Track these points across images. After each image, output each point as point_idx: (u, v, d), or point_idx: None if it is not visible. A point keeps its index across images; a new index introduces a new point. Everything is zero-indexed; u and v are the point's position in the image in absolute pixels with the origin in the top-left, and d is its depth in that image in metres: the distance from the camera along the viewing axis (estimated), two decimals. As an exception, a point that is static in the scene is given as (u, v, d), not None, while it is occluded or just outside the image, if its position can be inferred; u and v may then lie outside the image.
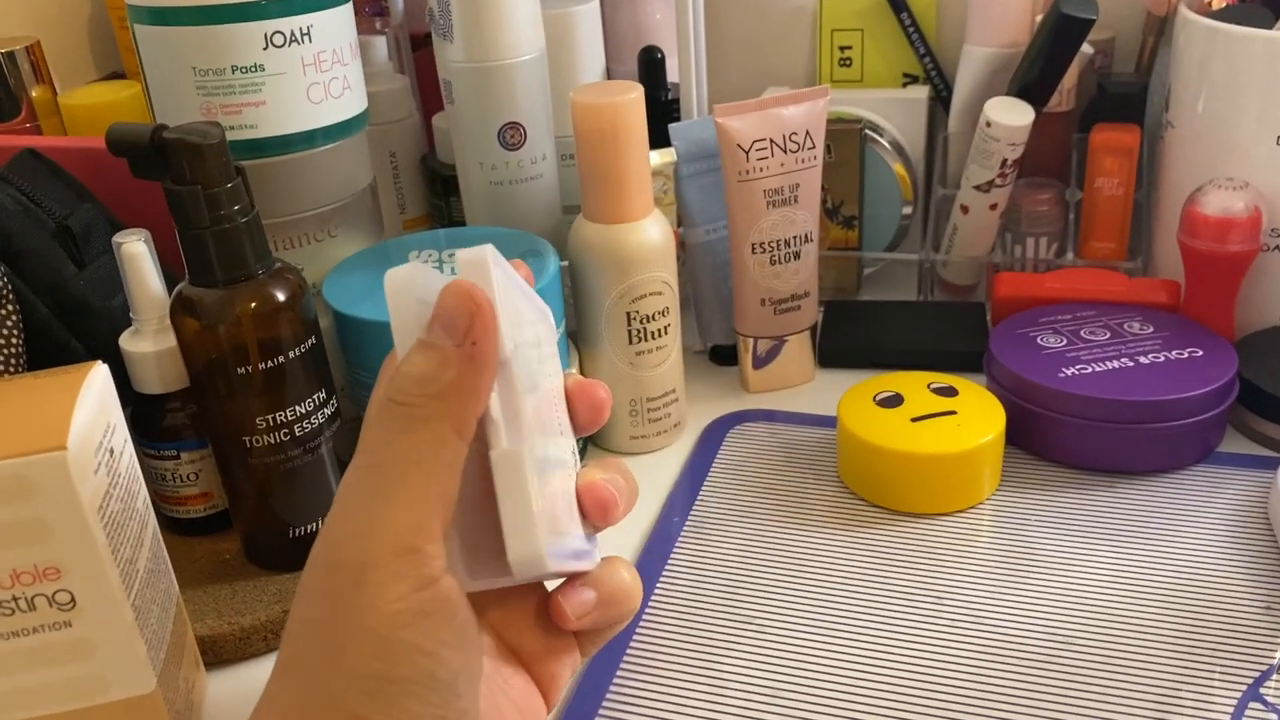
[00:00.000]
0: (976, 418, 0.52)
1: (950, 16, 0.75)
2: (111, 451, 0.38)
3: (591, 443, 0.59)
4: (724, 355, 0.66)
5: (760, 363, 0.63)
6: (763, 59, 0.79)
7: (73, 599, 0.36)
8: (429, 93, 0.77)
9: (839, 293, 0.72)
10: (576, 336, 0.57)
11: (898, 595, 0.47)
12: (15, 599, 0.35)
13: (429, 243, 0.57)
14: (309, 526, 0.49)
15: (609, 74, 0.67)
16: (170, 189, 0.44)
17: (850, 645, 0.45)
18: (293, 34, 0.51)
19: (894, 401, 0.53)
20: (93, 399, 0.37)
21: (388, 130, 0.70)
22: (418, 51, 0.77)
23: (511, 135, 0.59)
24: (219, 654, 0.46)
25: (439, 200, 0.71)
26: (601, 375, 0.57)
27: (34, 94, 0.71)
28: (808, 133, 0.58)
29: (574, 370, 0.56)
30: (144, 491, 0.41)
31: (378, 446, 0.30)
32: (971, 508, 0.52)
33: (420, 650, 0.29)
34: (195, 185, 0.43)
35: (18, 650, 0.36)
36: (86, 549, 0.35)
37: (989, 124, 0.63)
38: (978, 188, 0.65)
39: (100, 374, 0.38)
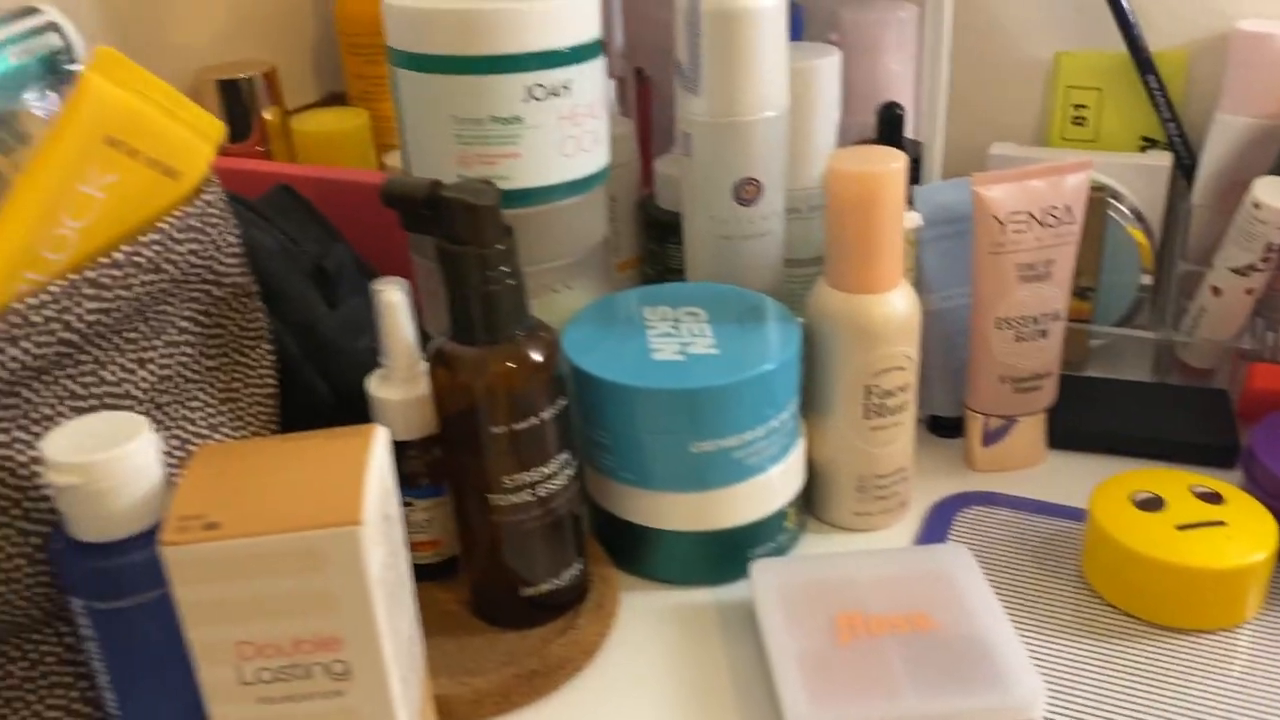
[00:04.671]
0: (1247, 531, 0.48)
1: (1201, 81, 0.70)
2: (388, 518, 0.38)
3: (811, 515, 0.57)
4: (944, 427, 0.63)
5: (990, 440, 0.60)
6: (990, 113, 0.76)
7: (348, 669, 0.36)
8: (644, 134, 0.76)
9: (1065, 366, 0.68)
10: (805, 404, 0.55)
11: (1148, 713, 0.44)
12: (294, 666, 0.35)
13: (662, 297, 0.56)
14: (541, 587, 0.49)
15: (842, 127, 0.65)
16: (444, 248, 0.44)
17: (1115, 775, 0.42)
18: (552, 87, 0.51)
19: (1155, 504, 0.50)
20: (377, 467, 0.37)
21: (611, 174, 0.69)
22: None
23: (746, 191, 0.58)
24: (449, 714, 0.46)
25: (654, 245, 0.70)
26: (829, 448, 0.55)
27: (266, 116, 0.72)
28: (1068, 207, 0.55)
29: (801, 441, 0.54)
30: (405, 553, 0.41)
31: None
32: (1233, 627, 0.48)
33: None
34: (469, 245, 0.43)
35: (291, 715, 0.36)
36: (367, 621, 0.35)
37: (1257, 205, 0.59)
38: (1235, 270, 0.61)
39: (381, 439, 0.38)
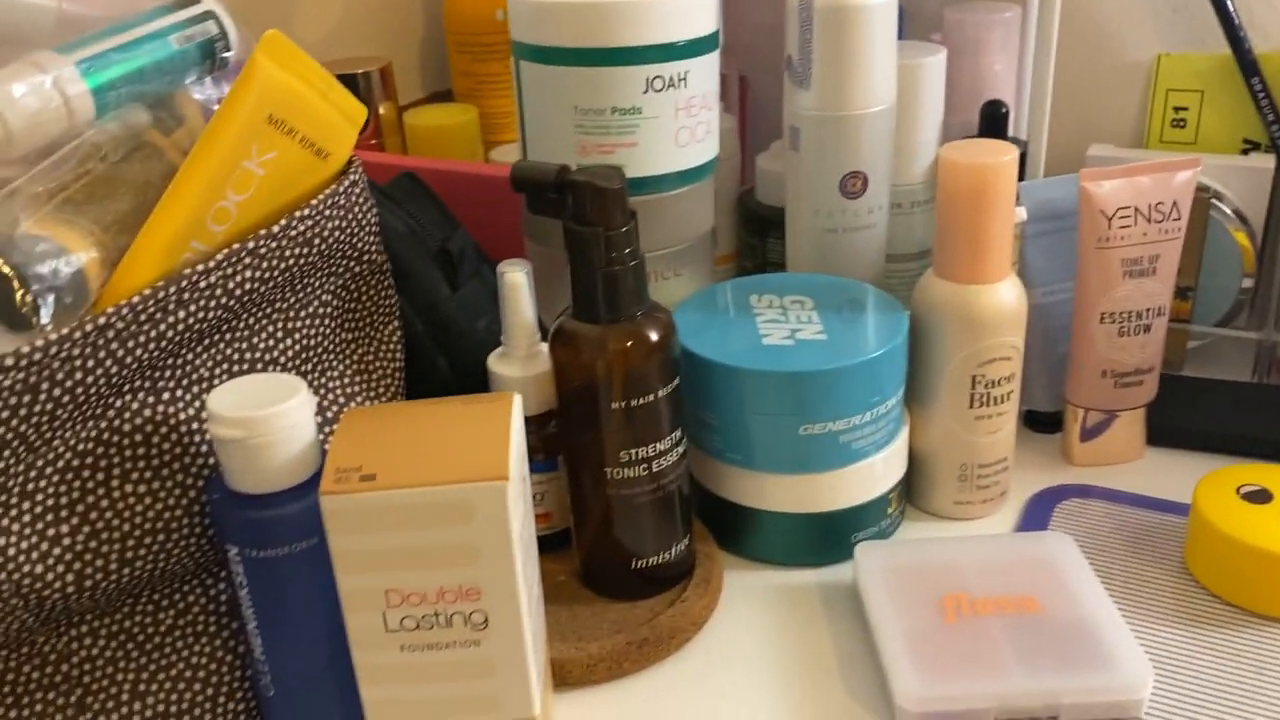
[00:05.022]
0: (1357, 525, 0.48)
1: (1306, 82, 0.70)
2: (524, 479, 0.40)
3: (912, 504, 0.58)
4: (1041, 421, 0.64)
5: (1088, 435, 0.60)
6: (1088, 114, 0.76)
7: (486, 620, 0.38)
8: (742, 132, 0.78)
9: (1165, 366, 0.68)
10: (909, 393, 0.56)
11: (1253, 701, 0.44)
12: (437, 614, 0.37)
13: (768, 286, 0.57)
14: (650, 560, 0.50)
15: (945, 125, 0.66)
16: (571, 228, 0.45)
17: (1224, 758, 0.42)
18: (671, 79, 0.53)
19: (1261, 497, 0.50)
20: (516, 430, 0.39)
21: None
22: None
23: (853, 184, 0.59)
24: (563, 678, 0.48)
25: (753, 239, 0.72)
26: (932, 437, 0.56)
27: (381, 110, 0.75)
28: (1175, 203, 0.55)
29: (905, 429, 0.55)
30: (534, 517, 0.42)
31: None
32: (1342, 620, 0.48)
33: None
34: (596, 227, 0.45)
35: (430, 663, 0.38)
36: (506, 574, 0.37)
37: (1367, 204, 0.59)
38: (1343, 270, 0.61)
39: (518, 404, 0.40)
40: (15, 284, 0.36)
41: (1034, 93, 0.61)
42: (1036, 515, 0.57)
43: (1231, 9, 0.69)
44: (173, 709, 0.42)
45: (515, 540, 0.37)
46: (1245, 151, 0.72)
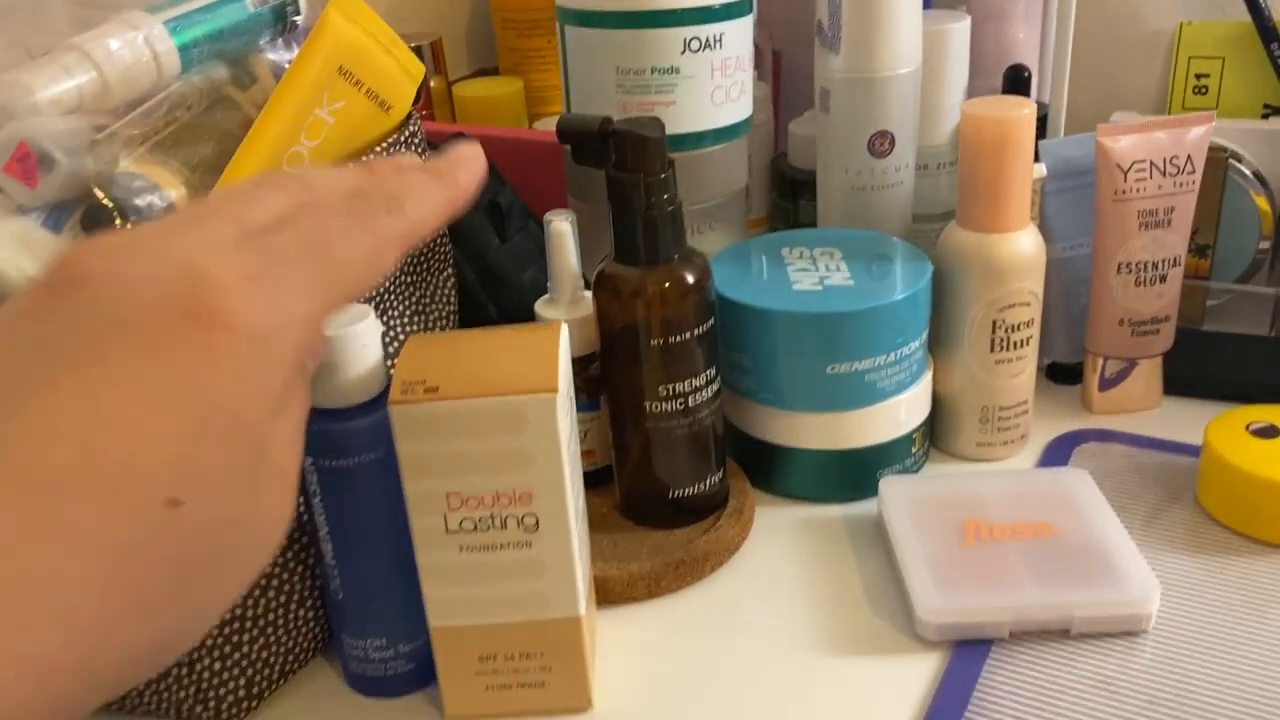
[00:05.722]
0: (1361, 458, 0.51)
1: (1326, 47, 0.72)
2: (571, 398, 0.43)
3: (935, 446, 0.61)
4: (1063, 373, 0.66)
5: (1107, 384, 0.63)
6: (1112, 82, 0.79)
7: (537, 523, 0.41)
8: (776, 99, 0.81)
9: (1182, 321, 0.70)
10: (932, 340, 0.59)
11: (1261, 624, 0.47)
12: (493, 517, 0.41)
13: (800, 240, 0.60)
14: (686, 490, 0.54)
15: (970, 90, 0.68)
16: (613, 175, 0.49)
17: (1215, 676, 0.45)
18: (707, 40, 0.56)
19: (1270, 432, 0.53)
20: (564, 352, 0.42)
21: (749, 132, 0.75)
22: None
23: (880, 143, 0.62)
24: (605, 595, 0.51)
25: (786, 202, 0.75)
26: (955, 380, 0.59)
27: (431, 84, 0.79)
28: (1189, 157, 0.58)
29: (928, 373, 0.58)
30: (579, 440, 0.46)
31: None
32: (1346, 549, 0.51)
33: None
34: (637, 173, 0.48)
35: (487, 563, 0.42)
36: (556, 480, 0.41)
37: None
38: (1356, 225, 0.63)
39: (565, 333, 0.43)
40: (116, 215, 0.41)
41: (1055, 57, 0.64)
42: (1056, 457, 0.59)
43: (1251, -23, 0.71)
44: (248, 615, 0.46)
45: (564, 448, 0.40)
46: (1266, 116, 0.74)
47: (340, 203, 0.29)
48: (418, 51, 0.78)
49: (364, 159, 0.47)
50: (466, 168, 0.33)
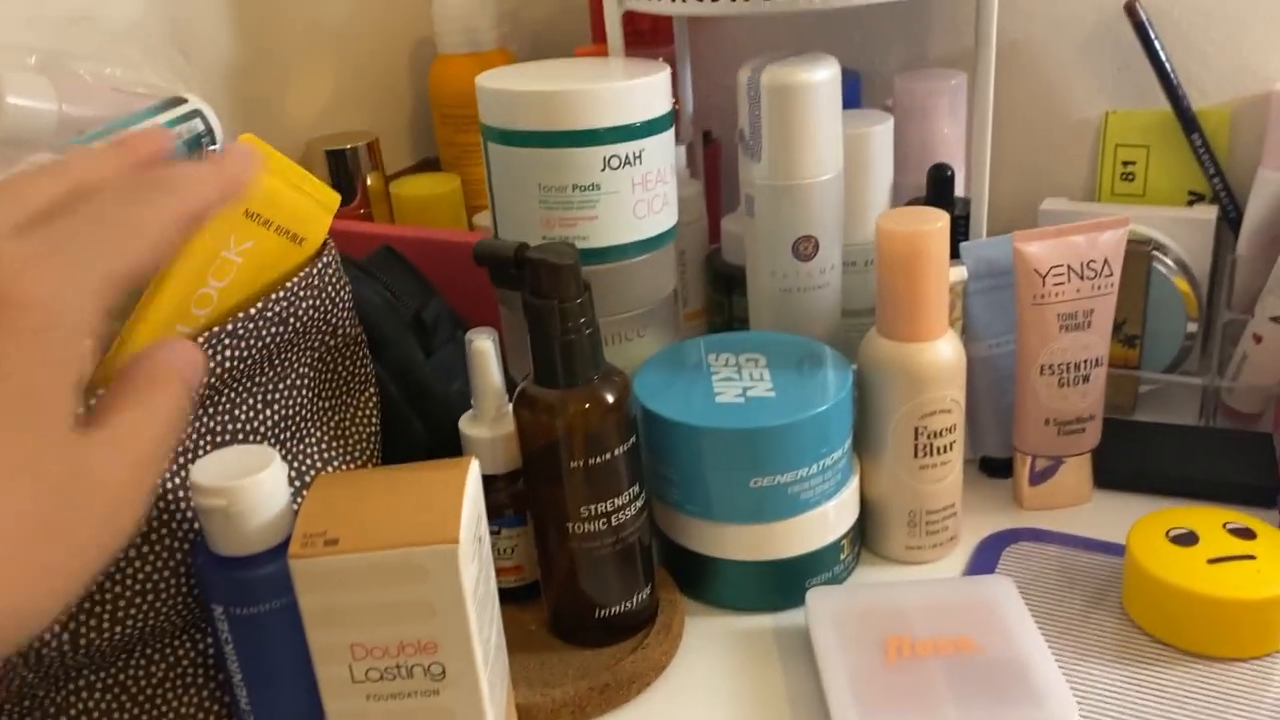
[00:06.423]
0: (1277, 564, 0.51)
1: (1244, 136, 0.73)
2: (480, 539, 0.43)
3: (866, 548, 0.61)
4: (995, 467, 0.67)
5: (1037, 480, 0.63)
6: (1041, 169, 0.80)
7: (444, 671, 0.41)
8: (712, 191, 0.82)
9: (1114, 410, 0.71)
10: (858, 444, 0.59)
11: (1192, 742, 0.47)
12: (398, 666, 0.41)
13: (726, 345, 0.61)
14: (614, 608, 0.53)
15: (895, 186, 0.69)
16: (529, 301, 0.49)
17: (1144, 789, 0.45)
18: (626, 157, 0.57)
19: (1188, 539, 0.53)
20: (471, 493, 0.42)
21: (681, 231, 0.75)
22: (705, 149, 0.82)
23: (804, 247, 0.63)
24: (530, 721, 0.51)
25: (720, 296, 0.76)
26: (882, 485, 0.59)
27: (369, 181, 0.80)
28: (1106, 260, 0.59)
29: (855, 479, 0.59)
30: (493, 572, 0.46)
31: None
32: (1266, 655, 0.51)
33: None
34: (551, 300, 0.49)
35: (393, 711, 0.41)
36: (461, 629, 0.40)
37: (1294, 256, 0.62)
38: (1276, 319, 0.64)
39: (475, 469, 0.43)
40: None
41: (975, 156, 0.65)
42: (985, 559, 0.60)
43: (1170, 69, 0.72)
44: (163, 756, 0.45)
45: (469, 596, 0.40)
46: (1191, 203, 0.76)
47: (115, 190, 0.32)
48: (354, 153, 0.78)
49: (275, 294, 0.47)
50: (241, 162, 0.36)
